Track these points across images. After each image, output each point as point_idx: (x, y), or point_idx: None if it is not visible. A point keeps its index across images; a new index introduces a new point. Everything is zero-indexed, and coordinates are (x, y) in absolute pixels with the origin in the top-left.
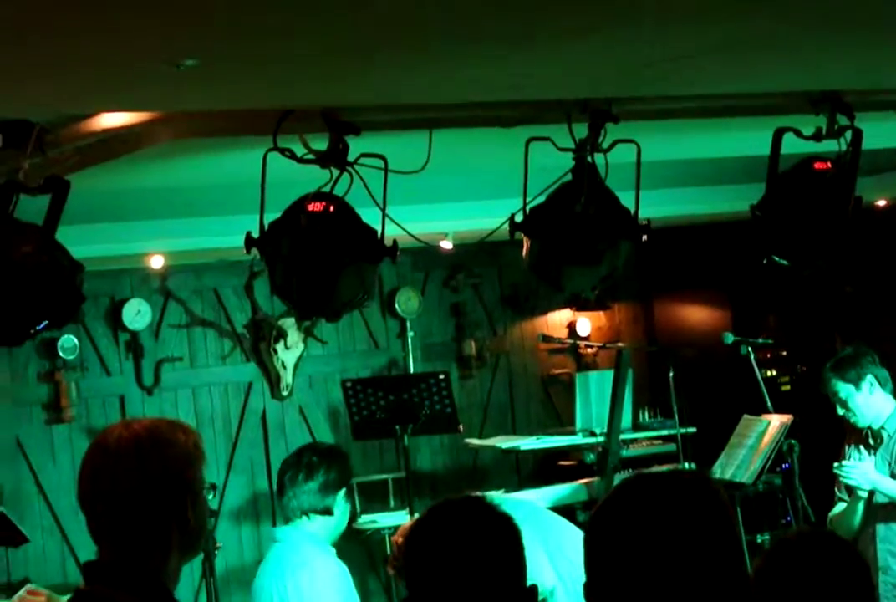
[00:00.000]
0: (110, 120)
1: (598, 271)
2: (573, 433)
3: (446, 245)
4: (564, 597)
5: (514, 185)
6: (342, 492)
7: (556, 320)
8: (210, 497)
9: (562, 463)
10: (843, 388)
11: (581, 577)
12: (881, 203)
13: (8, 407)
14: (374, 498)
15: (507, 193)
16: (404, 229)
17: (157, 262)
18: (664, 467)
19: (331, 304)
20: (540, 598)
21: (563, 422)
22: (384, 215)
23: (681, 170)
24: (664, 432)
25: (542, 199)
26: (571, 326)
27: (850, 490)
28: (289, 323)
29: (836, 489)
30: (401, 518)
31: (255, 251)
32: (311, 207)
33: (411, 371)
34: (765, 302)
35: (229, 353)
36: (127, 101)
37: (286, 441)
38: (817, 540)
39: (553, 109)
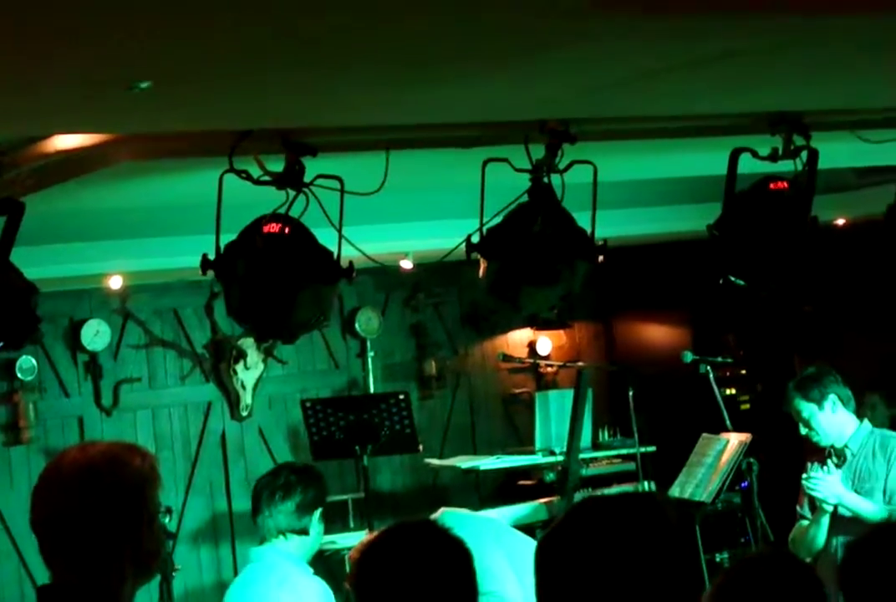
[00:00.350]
0: (66, 141)
1: (555, 291)
2: (533, 452)
3: (406, 265)
4: None
5: (473, 205)
6: (318, 512)
7: (517, 339)
8: (166, 520)
9: (522, 482)
10: (806, 408)
11: None
12: (840, 222)
13: None
14: (333, 518)
15: (468, 213)
16: (360, 250)
17: (115, 283)
18: (614, 489)
19: (287, 325)
20: None
21: (524, 441)
22: (340, 236)
23: (639, 189)
24: (624, 451)
25: (499, 219)
26: (532, 345)
27: (813, 507)
28: (248, 343)
29: (797, 507)
30: (361, 538)
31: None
32: (266, 229)
33: (371, 391)
34: (725, 321)
35: (189, 373)
36: (82, 123)
37: (245, 462)
38: (775, 561)
39: (510, 130)
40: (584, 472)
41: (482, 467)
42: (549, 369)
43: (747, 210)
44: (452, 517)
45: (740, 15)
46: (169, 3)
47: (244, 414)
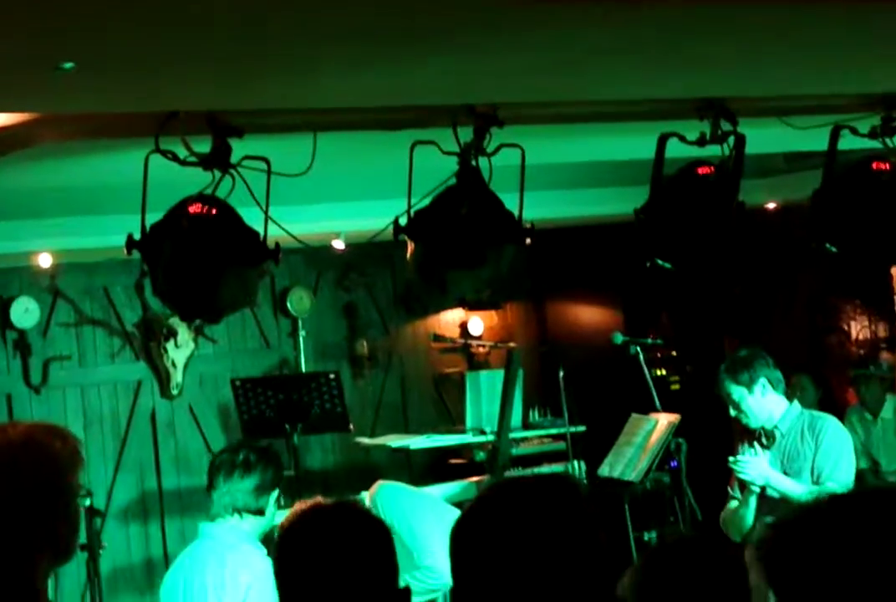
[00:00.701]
0: None
1: (481, 274)
2: (464, 432)
3: (339, 245)
4: None
5: (404, 187)
6: (275, 493)
7: (449, 320)
8: (87, 502)
9: (453, 461)
10: (736, 391)
11: None
12: (771, 206)
13: None
14: None
15: (399, 194)
16: (286, 230)
17: (45, 261)
18: (544, 468)
19: (212, 306)
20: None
21: (455, 420)
22: (267, 217)
23: (568, 172)
24: (554, 431)
25: (427, 201)
26: (464, 326)
27: (743, 488)
28: (179, 322)
29: (728, 488)
30: None
31: None
32: (192, 210)
33: (303, 370)
34: (656, 303)
35: (119, 351)
36: (7, 103)
37: (176, 440)
38: (695, 543)
39: (439, 113)
40: (515, 451)
41: (413, 446)
42: (481, 349)
43: (674, 194)
44: (389, 490)
45: (660, 2)
46: None
47: (175, 392)
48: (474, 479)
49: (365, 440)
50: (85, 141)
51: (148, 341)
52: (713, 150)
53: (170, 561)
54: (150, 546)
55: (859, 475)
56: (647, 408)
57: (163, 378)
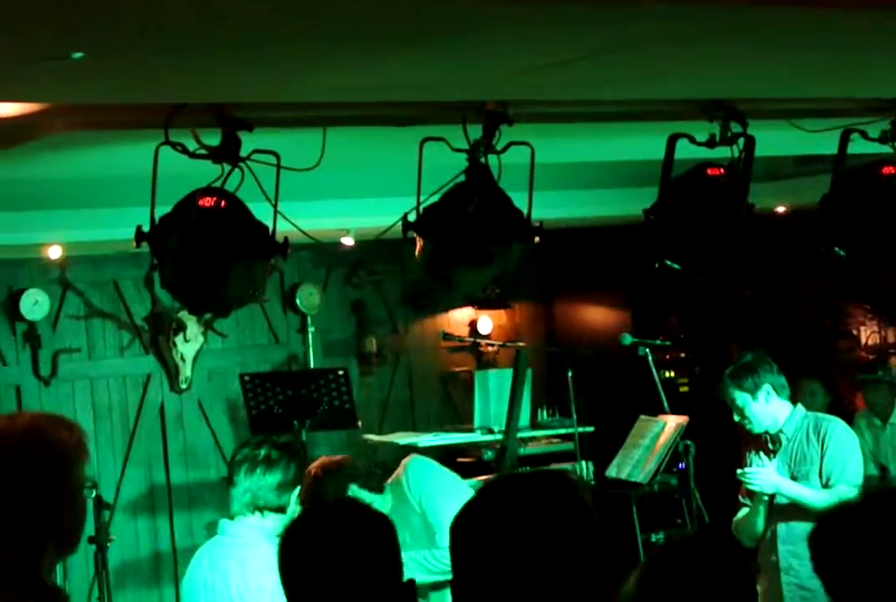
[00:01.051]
0: (2, 110)
1: (489, 272)
2: (472, 430)
3: (347, 241)
4: None
5: (414, 183)
6: (297, 490)
7: (458, 318)
8: (92, 494)
9: (460, 460)
10: (740, 397)
11: None
12: (780, 209)
13: None
14: None
15: (408, 191)
16: (295, 225)
17: (55, 253)
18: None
19: (220, 299)
20: None
21: (462, 419)
22: (276, 212)
23: (577, 173)
24: (562, 431)
25: (437, 198)
26: (473, 325)
27: (753, 495)
28: (188, 315)
29: (739, 496)
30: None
31: None
32: (202, 202)
33: (311, 366)
34: (665, 304)
35: (128, 345)
36: (17, 93)
37: (184, 434)
38: (701, 545)
39: (449, 110)
40: (523, 450)
41: (421, 444)
42: (490, 349)
43: (684, 195)
44: (422, 464)
45: (673, 2)
46: None
47: (183, 386)
48: (481, 478)
49: (373, 437)
50: (95, 132)
51: (157, 335)
52: (723, 152)
53: (178, 554)
54: (158, 540)
55: (865, 481)
56: (656, 409)
57: (171, 372)
